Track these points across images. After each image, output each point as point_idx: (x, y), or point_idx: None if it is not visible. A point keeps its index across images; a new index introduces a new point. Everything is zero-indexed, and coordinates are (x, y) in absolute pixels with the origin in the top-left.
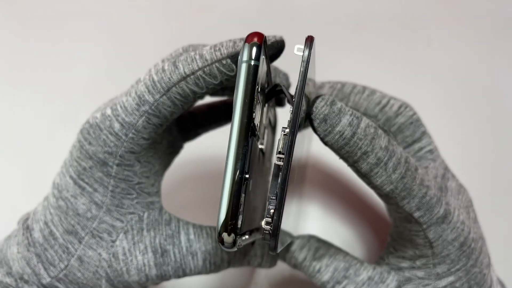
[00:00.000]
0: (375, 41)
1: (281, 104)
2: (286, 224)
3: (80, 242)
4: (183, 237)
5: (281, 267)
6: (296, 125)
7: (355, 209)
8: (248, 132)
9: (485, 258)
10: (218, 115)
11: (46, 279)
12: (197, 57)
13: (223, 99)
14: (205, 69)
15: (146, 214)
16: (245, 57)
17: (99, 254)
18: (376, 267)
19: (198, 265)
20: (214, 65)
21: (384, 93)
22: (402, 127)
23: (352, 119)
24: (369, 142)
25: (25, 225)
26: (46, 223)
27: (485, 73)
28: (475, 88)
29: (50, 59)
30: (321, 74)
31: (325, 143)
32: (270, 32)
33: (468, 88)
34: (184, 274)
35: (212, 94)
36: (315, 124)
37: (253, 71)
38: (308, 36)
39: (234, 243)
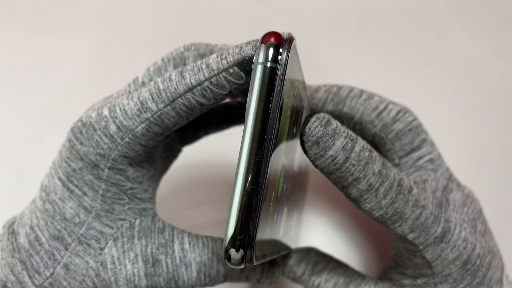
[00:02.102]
0: (380, 35)
1: None
2: (284, 237)
3: (66, 249)
4: (176, 247)
5: (282, 278)
6: (271, 145)
7: (358, 218)
8: (263, 140)
9: (495, 273)
10: (220, 118)
11: None
12: (204, 66)
13: (226, 101)
14: (212, 79)
15: (138, 221)
16: (260, 58)
17: (86, 262)
18: (378, 282)
19: (192, 277)
20: (221, 75)
21: (384, 97)
22: (399, 134)
23: (347, 142)
24: (362, 168)
25: (11, 230)
26: (32, 228)
27: (498, 68)
28: (488, 84)
29: (36, 54)
30: (322, 72)
31: (315, 166)
32: (271, 25)
33: (480, 83)
34: (177, 286)
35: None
36: (306, 146)
37: (269, 73)
38: (286, 39)
39: (242, 260)
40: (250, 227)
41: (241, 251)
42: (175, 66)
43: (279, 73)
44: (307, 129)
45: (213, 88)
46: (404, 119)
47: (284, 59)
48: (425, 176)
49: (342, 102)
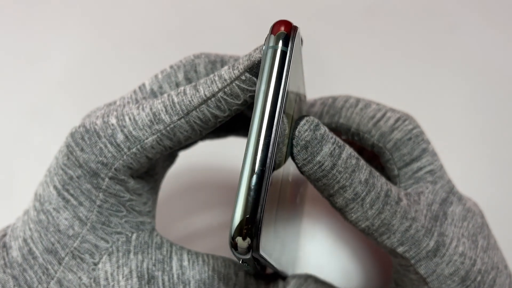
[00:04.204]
0: (388, 29)
1: None
2: (284, 249)
3: (59, 263)
4: (175, 263)
5: None
6: (279, 128)
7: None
8: (272, 121)
9: None
10: (220, 125)
11: None
12: (216, 78)
13: None
14: (226, 89)
15: (134, 235)
16: (271, 43)
17: (79, 278)
18: None
19: None
20: (234, 84)
21: (382, 105)
22: (398, 143)
23: (334, 148)
24: (349, 175)
25: (1, 243)
26: (25, 240)
27: None
28: (504, 81)
29: (20, 48)
30: (328, 69)
31: (303, 173)
32: (272, 18)
33: (496, 80)
34: None
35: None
36: (295, 151)
37: (280, 56)
38: (293, 26)
39: (249, 248)
40: (258, 214)
41: (248, 239)
42: (186, 73)
43: (287, 56)
44: (297, 133)
45: (227, 99)
46: (403, 128)
47: (290, 44)
48: (421, 188)
49: (338, 113)
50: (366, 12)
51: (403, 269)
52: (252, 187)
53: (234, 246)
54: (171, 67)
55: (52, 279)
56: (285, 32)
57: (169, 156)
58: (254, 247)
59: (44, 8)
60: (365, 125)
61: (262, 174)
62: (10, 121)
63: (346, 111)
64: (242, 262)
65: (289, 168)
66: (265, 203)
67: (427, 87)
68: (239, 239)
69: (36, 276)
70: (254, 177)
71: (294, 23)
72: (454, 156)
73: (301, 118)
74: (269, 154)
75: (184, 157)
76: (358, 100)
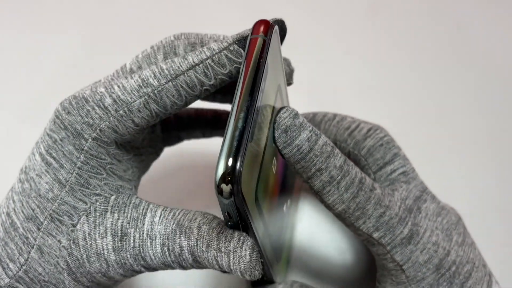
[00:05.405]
0: (393, 25)
1: None
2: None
3: (38, 229)
4: (147, 220)
5: None
6: (258, 95)
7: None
8: (253, 90)
9: (478, 284)
10: (205, 123)
11: (4, 281)
12: (205, 49)
13: (213, 110)
14: (214, 57)
15: (113, 197)
16: (253, 33)
17: (59, 241)
18: None
19: (157, 252)
20: (222, 53)
21: (356, 118)
22: (371, 149)
23: (311, 135)
24: (324, 159)
25: None
26: (8, 214)
27: None
28: (509, 81)
29: (13, 45)
30: (326, 68)
31: (283, 155)
32: (273, 13)
33: (503, 77)
34: (147, 265)
35: (205, 98)
36: (276, 134)
37: (261, 41)
38: (271, 24)
39: (231, 193)
40: (238, 164)
41: (230, 185)
42: (165, 54)
43: (266, 41)
44: (277, 118)
45: (215, 66)
46: (375, 136)
47: (268, 35)
48: (395, 187)
49: (317, 126)
50: (367, 9)
51: (381, 259)
52: (236, 138)
53: (219, 192)
54: (152, 47)
55: (32, 247)
56: (265, 27)
57: (154, 142)
58: (235, 191)
59: (38, 8)
60: (341, 135)
61: (243, 130)
62: (2, 121)
63: (324, 124)
64: (226, 214)
65: (273, 158)
66: (245, 155)
67: (432, 84)
68: (223, 185)
69: (16, 248)
70: (237, 132)
71: (294, 20)
72: (457, 155)
73: (282, 108)
74: (250, 114)
75: (184, 155)
76: (335, 115)
